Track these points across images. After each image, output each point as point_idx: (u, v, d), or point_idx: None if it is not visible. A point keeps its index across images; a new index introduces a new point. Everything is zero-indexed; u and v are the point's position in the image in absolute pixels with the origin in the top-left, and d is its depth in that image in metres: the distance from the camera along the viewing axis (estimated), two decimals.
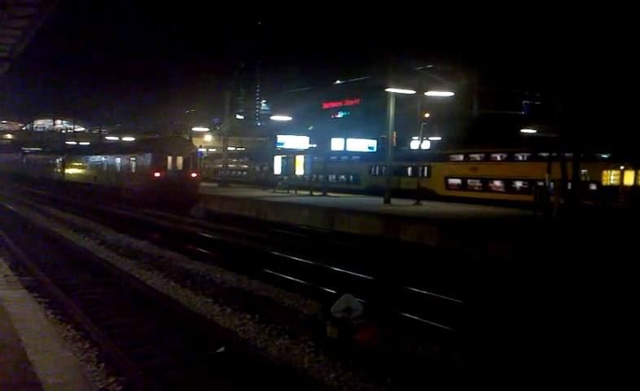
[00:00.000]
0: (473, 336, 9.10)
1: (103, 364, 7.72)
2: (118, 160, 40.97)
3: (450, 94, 31.67)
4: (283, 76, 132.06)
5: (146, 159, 35.92)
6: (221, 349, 8.25)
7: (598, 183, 33.07)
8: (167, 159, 35.34)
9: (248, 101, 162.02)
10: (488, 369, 7.83)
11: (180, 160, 35.64)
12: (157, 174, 34.61)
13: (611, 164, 33.33)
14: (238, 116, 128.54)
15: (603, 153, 34.29)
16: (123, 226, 23.71)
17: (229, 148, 56.00)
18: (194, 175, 36.00)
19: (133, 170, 37.75)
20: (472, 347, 8.59)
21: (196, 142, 47.24)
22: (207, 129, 68.97)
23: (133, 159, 38.00)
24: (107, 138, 75.88)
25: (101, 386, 7.05)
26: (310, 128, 55.75)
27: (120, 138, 67.80)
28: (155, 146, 37.34)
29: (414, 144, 46.66)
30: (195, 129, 60.59)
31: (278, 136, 35.18)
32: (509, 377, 7.57)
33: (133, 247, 18.37)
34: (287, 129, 47.50)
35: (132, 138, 60.47)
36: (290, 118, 47.72)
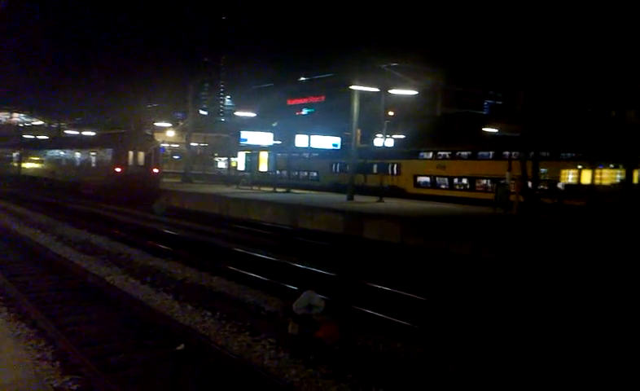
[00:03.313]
0: (434, 333, 9.17)
1: (58, 362, 7.54)
2: (78, 154, 40.18)
3: (414, 92, 31.92)
4: (248, 71, 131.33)
5: (107, 154, 35.32)
6: (181, 347, 8.13)
7: (557, 182, 33.81)
8: (128, 154, 34.80)
9: (212, 96, 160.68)
10: (448, 365, 7.89)
11: (141, 155, 35.13)
12: (118, 170, 34.06)
13: (570, 163, 34.10)
14: (202, 112, 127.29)
15: (562, 152, 35.05)
16: (82, 221, 23.22)
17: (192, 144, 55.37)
18: (155, 171, 35.52)
19: (94, 165, 37.08)
20: (433, 343, 8.64)
21: (159, 137, 46.63)
22: (169, 125, 68.07)
23: (94, 154, 37.32)
24: (66, 132, 74.26)
25: (56, 385, 6.87)
26: (274, 124, 55.60)
27: (80, 132, 66.45)
28: (116, 141, 36.71)
29: (378, 142, 46.85)
30: (157, 124, 59.70)
31: (242, 132, 34.99)
32: (468, 372, 7.64)
33: (91, 243, 18.01)
34: (251, 125, 47.26)
35: (92, 133, 59.33)
36: (254, 114, 47.51)
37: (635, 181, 28.77)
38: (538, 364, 8.08)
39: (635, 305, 11.97)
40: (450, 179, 40.94)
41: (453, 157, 41.58)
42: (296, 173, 54.68)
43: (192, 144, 58.51)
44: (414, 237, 19.14)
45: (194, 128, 55.38)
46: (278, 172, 45.84)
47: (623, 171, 29.32)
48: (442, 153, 42.60)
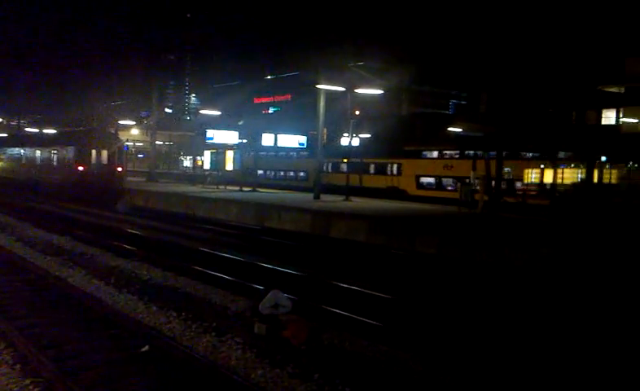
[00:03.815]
0: (400, 331, 9.24)
1: (18, 366, 7.36)
2: (38, 152, 39.33)
3: (380, 91, 32.12)
4: (214, 69, 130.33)
5: (69, 152, 34.67)
6: (146, 348, 8.02)
7: (521, 181, 34.40)
8: (91, 152, 34.24)
9: (178, 94, 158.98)
10: (414, 362, 7.96)
11: (104, 153, 34.60)
12: (80, 168, 33.48)
13: (532, 162, 34.73)
14: (167, 110, 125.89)
15: (525, 152, 35.69)
16: (43, 221, 22.73)
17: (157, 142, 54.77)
18: (119, 169, 35.00)
19: (55, 164, 36.34)
20: (399, 341, 8.70)
21: (123, 135, 45.93)
22: (134, 123, 67.19)
23: (55, 152, 36.58)
24: (27, 129, 72.64)
25: (16, 388, 6.71)
26: (240, 123, 55.27)
27: (41, 130, 65.05)
28: (79, 139, 36.05)
29: (345, 141, 46.93)
30: (121, 122, 58.86)
31: (207, 130, 34.73)
32: (433, 369, 7.71)
33: (53, 243, 17.64)
34: (217, 123, 46.90)
35: (54, 131, 58.14)
36: (220, 112, 47.16)
37: (595, 180, 29.44)
38: (503, 359, 8.21)
39: (591, 299, 12.27)
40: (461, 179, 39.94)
41: (462, 157, 39.90)
42: (282, 173, 52.84)
43: (157, 143, 57.88)
44: (380, 236, 19.25)
45: (159, 126, 54.78)
46: (261, 172, 44.81)
47: (584, 170, 29.96)
48: (448, 152, 40.74)
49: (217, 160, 36.32)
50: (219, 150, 35.99)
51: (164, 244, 18.05)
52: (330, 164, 46.56)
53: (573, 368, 8.09)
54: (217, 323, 9.43)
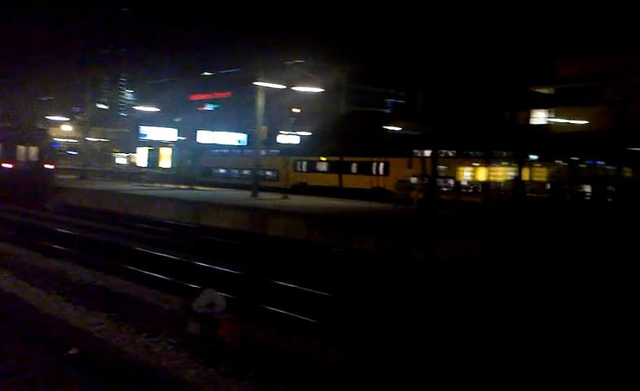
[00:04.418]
0: (336, 328, 9.27)
1: None
2: None
3: (319, 90, 32.20)
4: (150, 65, 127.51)
5: None
6: (74, 351, 7.74)
7: (455, 179, 35.20)
8: (18, 149, 32.92)
9: (112, 90, 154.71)
10: (349, 358, 8.00)
11: (33, 150, 33.33)
12: (7, 165, 32.15)
13: (466, 161, 35.59)
14: (101, 106, 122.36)
15: (459, 151, 36.48)
16: None
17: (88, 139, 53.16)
18: (49, 167, 33.79)
19: None
20: (334, 338, 8.73)
21: (54, 132, 44.39)
22: (66, 119, 64.98)
23: None
24: None
25: None
26: (177, 120, 54.33)
27: None
28: (5, 135, 34.60)
29: (284, 138, 46.75)
30: (51, 117, 56.77)
31: (141, 127, 33.97)
32: (367, 365, 7.77)
33: None
34: (154, 120, 45.91)
35: None
36: (156, 109, 46.20)
37: (525, 178, 30.45)
38: (436, 353, 8.35)
39: (520, 291, 12.68)
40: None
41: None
42: (247, 173, 49.48)
43: (90, 139, 56.19)
44: (319, 233, 19.29)
45: (92, 122, 53.22)
46: (223, 171, 43.11)
47: (515, 169, 30.91)
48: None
49: (153, 158, 35.61)
50: (154, 147, 35.29)
51: (97, 244, 17.53)
52: (304, 163, 43.52)
53: (501, 358, 8.33)
54: (150, 324, 9.21)
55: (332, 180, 38.92)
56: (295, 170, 42.62)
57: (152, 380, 6.88)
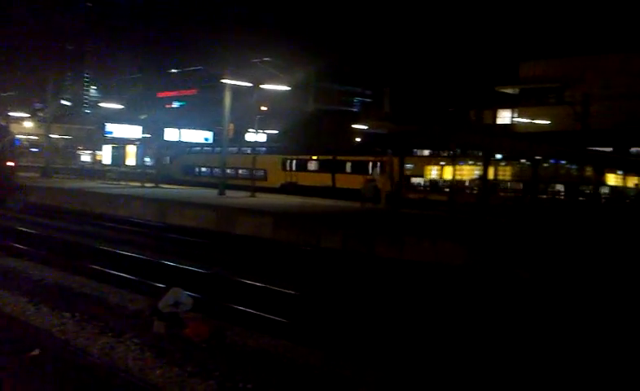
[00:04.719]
0: (302, 326, 9.28)
1: None
2: None
3: (286, 88, 32.15)
4: (115, 61, 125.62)
5: None
6: (35, 352, 7.59)
7: (421, 177, 35.53)
8: None
9: (76, 86, 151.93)
10: (315, 357, 8.01)
11: None
12: None
13: (433, 159, 35.96)
14: (65, 102, 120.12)
15: (427, 150, 36.83)
16: None
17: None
18: (10, 164, 32.96)
19: None
20: (302, 336, 8.74)
21: (15, 128, 43.40)
22: (28, 115, 63.63)
23: None
24: None
25: None
26: (143, 117, 53.67)
27: None
28: None
29: (251, 136, 46.53)
30: (12, 113, 55.48)
31: (106, 124, 33.46)
32: (332, 363, 7.80)
33: None
34: (119, 117, 45.27)
35: None
36: (121, 106, 45.53)
37: (490, 176, 30.90)
38: (402, 351, 8.43)
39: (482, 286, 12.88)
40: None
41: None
42: (233, 172, 46.50)
43: (53, 136, 55.13)
44: (286, 232, 19.28)
45: (55, 119, 52.21)
46: (205, 169, 41.45)
47: (481, 168, 31.34)
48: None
49: (118, 155, 35.11)
50: (120, 145, 34.81)
51: (60, 243, 17.21)
52: (293, 162, 41.73)
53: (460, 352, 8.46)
54: (114, 324, 9.08)
55: (320, 179, 37.81)
56: (284, 169, 41.25)
57: (116, 380, 6.79)
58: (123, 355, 7.82)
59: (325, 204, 26.51)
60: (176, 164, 46.74)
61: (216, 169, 42.50)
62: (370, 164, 36.59)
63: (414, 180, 35.29)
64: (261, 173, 42.17)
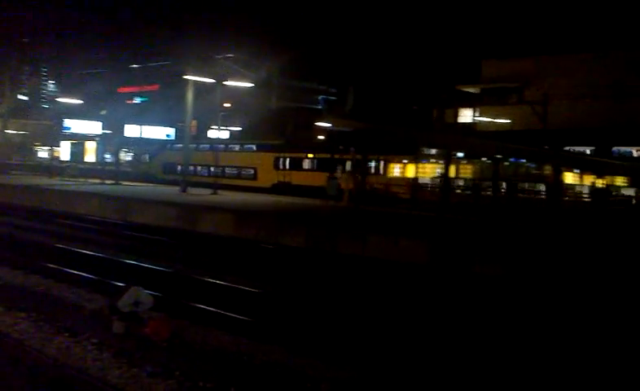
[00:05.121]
0: (264, 324, 9.24)
1: None
2: None
3: (250, 84, 31.96)
4: (75, 55, 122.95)
5: None
6: None
7: (385, 175, 35.70)
8: None
9: (34, 80, 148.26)
10: (277, 355, 8.00)
11: None
12: None
13: (396, 157, 36.15)
14: (22, 97, 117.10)
15: (390, 148, 36.92)
16: None
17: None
18: None
19: None
20: (262, 334, 8.70)
21: None
22: None
23: None
24: None
25: None
26: (103, 113, 52.70)
27: None
28: None
29: (214, 133, 45.92)
30: None
31: (65, 120, 32.72)
32: (295, 360, 7.79)
33: None
34: (79, 112, 44.36)
35: None
36: (80, 101, 44.59)
37: (452, 174, 31.27)
38: (365, 347, 8.47)
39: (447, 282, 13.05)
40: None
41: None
42: (220, 170, 39.85)
43: (9, 132, 53.75)
44: (249, 230, 19.17)
45: (11, 114, 50.91)
46: (192, 168, 39.53)
47: (442, 166, 31.67)
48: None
49: (77, 152, 34.42)
50: (79, 141, 34.13)
51: (15, 241, 16.77)
52: (287, 160, 39.65)
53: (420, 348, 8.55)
54: (72, 323, 8.91)
55: (313, 179, 36.35)
56: (277, 168, 39.51)
57: (73, 381, 6.65)
58: (80, 355, 7.69)
59: (289, 201, 26.46)
60: (157, 162, 45.39)
61: (199, 168, 41.80)
62: (374, 162, 34.89)
63: (379, 178, 35.31)
64: (250, 171, 40.91)
